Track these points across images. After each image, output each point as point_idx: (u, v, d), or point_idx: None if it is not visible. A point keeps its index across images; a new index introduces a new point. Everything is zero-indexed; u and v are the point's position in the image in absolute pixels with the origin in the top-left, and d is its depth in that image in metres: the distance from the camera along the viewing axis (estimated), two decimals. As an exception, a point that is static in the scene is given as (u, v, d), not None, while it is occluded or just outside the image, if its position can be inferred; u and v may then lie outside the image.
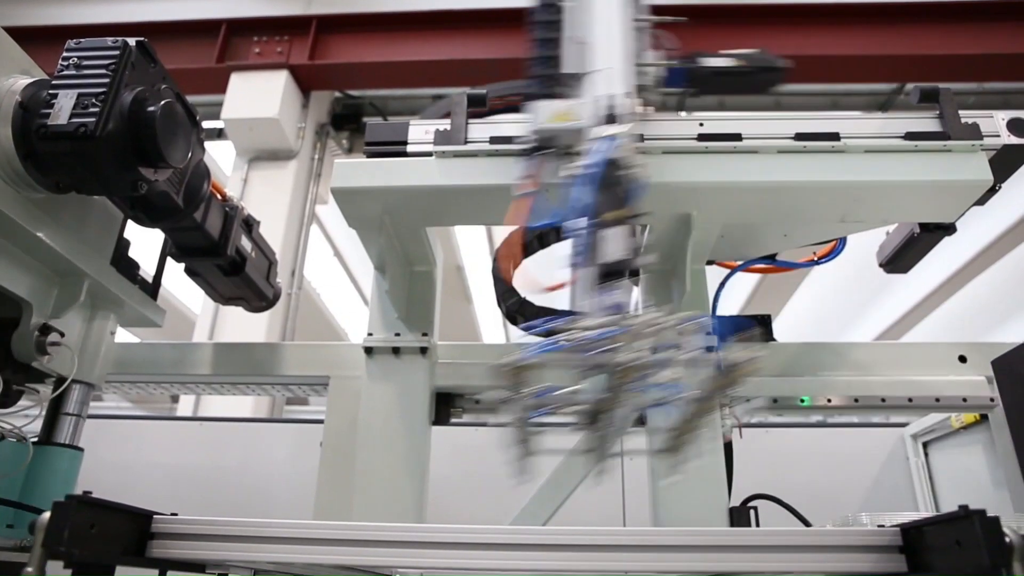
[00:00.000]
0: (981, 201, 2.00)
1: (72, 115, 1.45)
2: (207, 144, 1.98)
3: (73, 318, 1.83)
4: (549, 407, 1.23)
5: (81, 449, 1.87)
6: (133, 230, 1.99)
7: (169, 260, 2.15)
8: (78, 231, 1.77)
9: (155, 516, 0.93)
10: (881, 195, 1.97)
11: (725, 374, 1.16)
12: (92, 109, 1.46)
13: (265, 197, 6.49)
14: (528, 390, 1.20)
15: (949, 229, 2.22)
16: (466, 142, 2.00)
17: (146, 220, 1.86)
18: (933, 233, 2.25)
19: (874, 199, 1.98)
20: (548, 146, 1.74)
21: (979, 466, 2.63)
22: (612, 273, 1.44)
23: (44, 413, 1.84)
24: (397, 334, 2.37)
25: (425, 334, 2.39)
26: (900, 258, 2.43)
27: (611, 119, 1.60)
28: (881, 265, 2.56)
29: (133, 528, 0.90)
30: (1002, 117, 1.94)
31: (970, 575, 0.76)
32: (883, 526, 0.93)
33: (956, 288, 9.50)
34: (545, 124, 1.72)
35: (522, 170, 1.75)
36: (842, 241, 2.36)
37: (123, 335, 2.18)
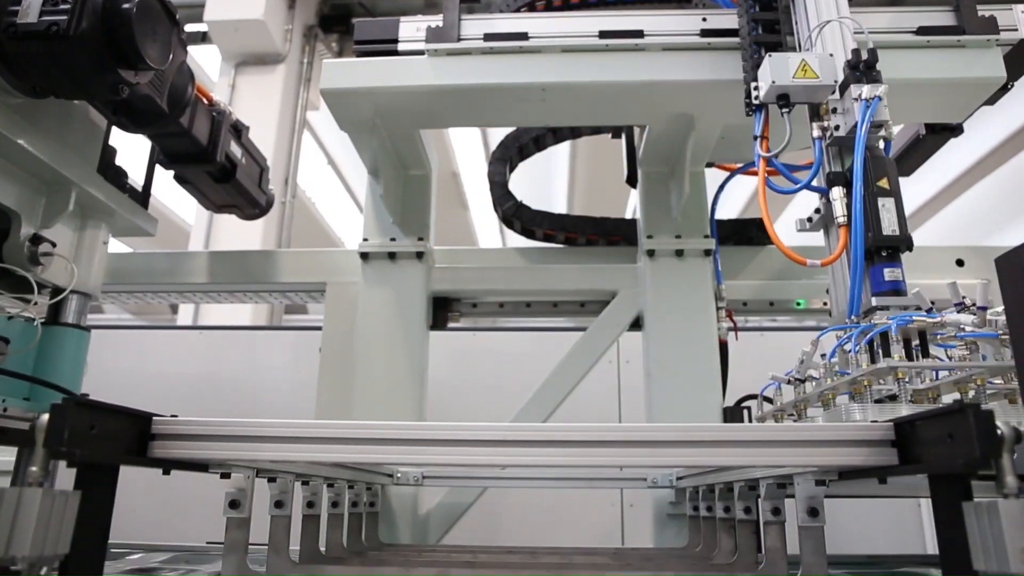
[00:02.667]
0: (991, 100, 1.94)
1: (42, 12, 1.37)
2: (190, 48, 1.89)
3: (64, 228, 1.80)
4: None
5: (88, 329, 1.88)
6: (119, 138, 1.93)
7: (159, 169, 2.10)
8: (61, 138, 1.72)
9: (155, 417, 0.94)
10: (889, 94, 1.91)
11: None
12: (63, 6, 1.37)
13: (254, 103, 6.31)
14: None
15: (956, 130, 2.17)
16: (459, 39, 1.92)
17: (130, 126, 1.80)
18: (939, 135, 2.20)
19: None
20: (783, 103, 1.60)
21: (969, 368, 2.67)
22: (888, 247, 1.42)
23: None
24: (393, 239, 2.36)
25: (421, 239, 2.37)
26: (904, 160, 2.39)
27: (864, 76, 1.51)
28: (884, 167, 2.52)
29: (133, 430, 0.91)
30: (1022, 9, 1.86)
31: (961, 466, 0.77)
32: (876, 421, 0.95)
33: (956, 194, 9.42)
34: (786, 80, 1.56)
35: (755, 129, 1.64)
36: (845, 143, 2.30)
37: (117, 246, 2.15)
